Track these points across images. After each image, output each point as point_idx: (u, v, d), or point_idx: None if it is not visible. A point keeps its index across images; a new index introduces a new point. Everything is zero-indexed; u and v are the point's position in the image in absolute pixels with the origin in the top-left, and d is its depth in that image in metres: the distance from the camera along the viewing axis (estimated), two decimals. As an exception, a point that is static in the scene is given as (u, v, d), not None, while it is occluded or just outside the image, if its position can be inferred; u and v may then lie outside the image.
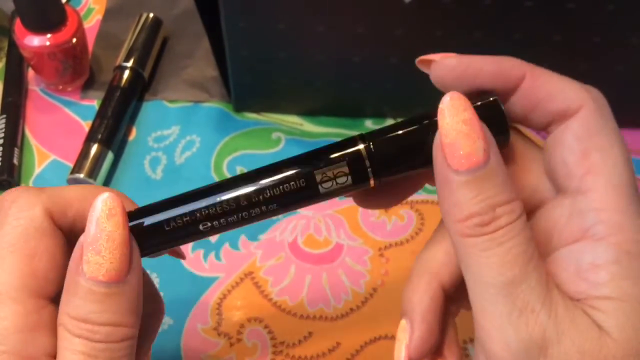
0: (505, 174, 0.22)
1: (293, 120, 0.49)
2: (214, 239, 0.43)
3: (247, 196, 0.24)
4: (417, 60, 0.26)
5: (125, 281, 0.23)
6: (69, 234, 0.26)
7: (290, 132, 0.48)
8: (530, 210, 0.25)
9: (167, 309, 0.41)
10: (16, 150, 0.46)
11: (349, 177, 0.24)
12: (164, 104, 0.50)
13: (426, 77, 0.42)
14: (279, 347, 0.40)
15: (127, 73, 0.49)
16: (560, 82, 0.24)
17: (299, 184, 0.24)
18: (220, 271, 0.42)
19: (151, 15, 0.51)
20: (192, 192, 0.25)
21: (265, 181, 0.24)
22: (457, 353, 0.27)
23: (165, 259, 0.43)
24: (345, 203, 0.45)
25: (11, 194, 0.25)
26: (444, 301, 0.26)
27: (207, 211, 0.24)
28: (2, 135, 0.46)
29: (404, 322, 0.27)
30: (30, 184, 0.46)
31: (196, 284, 0.42)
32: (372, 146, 0.24)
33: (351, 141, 0.25)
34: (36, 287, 0.24)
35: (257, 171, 0.25)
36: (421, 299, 0.26)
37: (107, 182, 0.46)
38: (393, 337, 0.40)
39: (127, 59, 0.49)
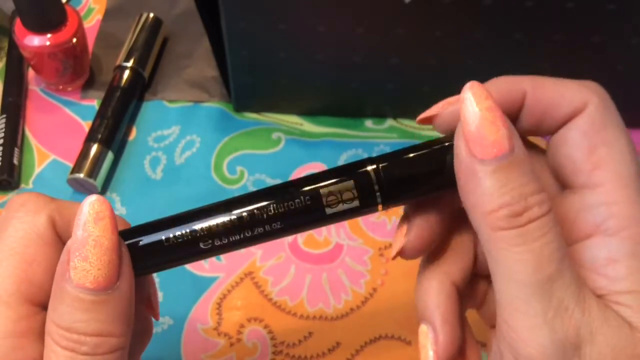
0: (531, 162, 0.22)
1: (293, 120, 0.49)
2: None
3: (250, 214, 0.24)
4: (417, 119, 0.26)
5: (114, 288, 0.22)
6: None
7: (290, 132, 0.48)
8: None
9: (167, 309, 0.41)
10: (16, 150, 0.46)
11: (357, 200, 0.24)
12: (164, 103, 0.50)
13: (426, 76, 0.42)
14: (279, 347, 0.40)
15: (127, 73, 0.49)
16: (560, 87, 0.24)
17: (304, 201, 0.24)
18: (220, 271, 0.42)
19: (151, 15, 0.51)
20: (193, 211, 0.24)
21: (268, 200, 0.24)
22: (477, 350, 0.27)
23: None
24: (345, 203, 0.45)
25: (22, 197, 0.25)
26: (459, 299, 0.26)
27: (208, 229, 0.24)
28: (2, 135, 0.46)
29: (424, 328, 0.25)
30: (30, 183, 0.46)
31: (196, 284, 0.42)
32: (381, 169, 0.24)
33: (360, 164, 0.24)
34: (30, 294, 0.23)
35: (261, 190, 0.24)
36: (438, 300, 0.25)
37: (107, 182, 0.46)
38: (393, 337, 0.40)
39: (127, 59, 0.49)
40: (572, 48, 0.42)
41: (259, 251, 0.43)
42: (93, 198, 0.22)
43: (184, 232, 0.24)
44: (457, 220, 0.26)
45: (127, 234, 0.24)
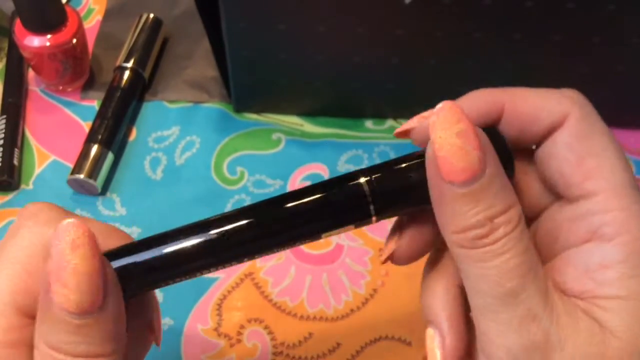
0: (502, 179, 0.22)
1: (293, 121, 0.49)
2: (214, 239, 0.43)
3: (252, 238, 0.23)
4: (395, 133, 0.26)
5: (100, 310, 0.21)
6: None
7: (290, 133, 0.48)
8: (531, 218, 0.26)
9: (167, 310, 0.41)
10: (16, 151, 0.46)
11: (352, 225, 0.24)
12: (164, 104, 0.50)
13: (426, 76, 0.42)
14: (279, 348, 0.40)
15: (127, 73, 0.49)
16: (539, 99, 0.24)
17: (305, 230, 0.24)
18: (221, 272, 0.42)
19: (151, 15, 0.51)
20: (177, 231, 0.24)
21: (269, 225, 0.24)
22: None
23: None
24: (346, 203, 0.45)
25: (35, 206, 0.24)
26: (464, 301, 0.26)
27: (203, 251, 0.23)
28: (2, 135, 0.46)
29: (431, 331, 0.26)
30: (31, 184, 0.46)
31: (196, 285, 0.42)
32: (375, 183, 0.24)
33: (352, 177, 0.24)
34: (25, 305, 0.23)
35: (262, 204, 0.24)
36: (443, 304, 0.25)
37: (107, 183, 0.46)
38: (393, 338, 0.40)
39: (127, 60, 0.49)
40: (572, 48, 0.42)
41: (259, 252, 0.43)
42: (67, 223, 0.21)
43: (173, 249, 0.23)
44: None
45: (123, 252, 0.23)
